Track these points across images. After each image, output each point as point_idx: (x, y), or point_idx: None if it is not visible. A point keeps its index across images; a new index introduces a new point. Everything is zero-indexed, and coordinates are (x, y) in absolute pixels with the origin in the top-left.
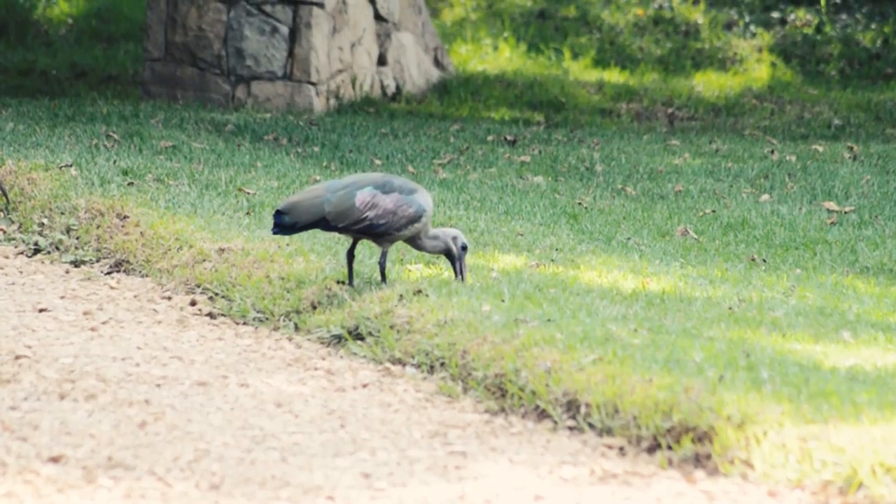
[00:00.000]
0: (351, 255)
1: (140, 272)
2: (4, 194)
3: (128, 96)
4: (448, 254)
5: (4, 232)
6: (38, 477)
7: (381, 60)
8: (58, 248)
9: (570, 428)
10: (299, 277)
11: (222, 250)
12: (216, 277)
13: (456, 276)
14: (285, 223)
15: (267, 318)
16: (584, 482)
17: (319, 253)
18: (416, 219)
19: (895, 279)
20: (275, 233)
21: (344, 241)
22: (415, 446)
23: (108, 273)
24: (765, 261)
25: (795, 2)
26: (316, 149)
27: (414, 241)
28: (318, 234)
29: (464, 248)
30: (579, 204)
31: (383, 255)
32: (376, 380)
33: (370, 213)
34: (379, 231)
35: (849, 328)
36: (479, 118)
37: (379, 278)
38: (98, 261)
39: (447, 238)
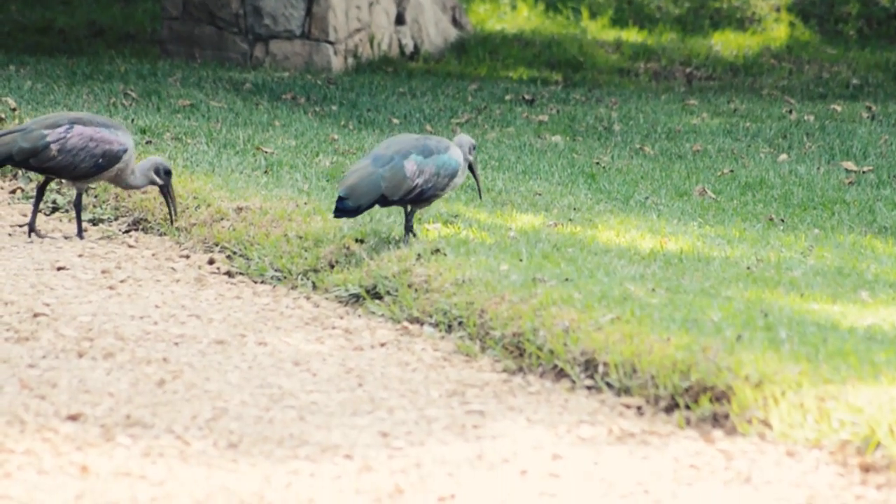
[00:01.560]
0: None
1: (158, 231)
2: (172, 212)
3: (146, 55)
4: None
5: (23, 191)
6: (56, 435)
7: (399, 19)
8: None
9: (588, 387)
10: (317, 236)
11: (240, 209)
12: (234, 236)
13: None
14: (349, 207)
15: (285, 277)
16: (602, 441)
17: None
18: (454, 174)
19: None
20: (337, 216)
21: None
22: (433, 405)
23: (127, 231)
24: (783, 221)
25: None
26: (334, 108)
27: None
28: (336, 193)
29: (472, 147)
30: (597, 163)
31: (411, 216)
32: (394, 339)
33: (419, 181)
34: (427, 196)
35: (867, 288)
36: (496, 77)
37: (397, 236)
38: (116, 219)
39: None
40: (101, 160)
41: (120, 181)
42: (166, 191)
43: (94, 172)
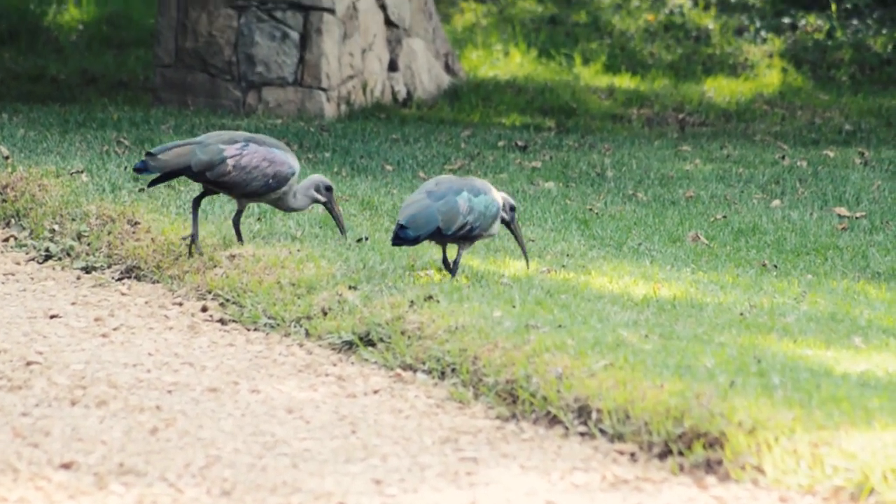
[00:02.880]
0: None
1: (151, 278)
2: (340, 227)
3: (138, 102)
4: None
5: (16, 238)
6: (49, 483)
7: (392, 66)
8: (69, 255)
9: (582, 434)
10: (310, 283)
11: (233, 256)
12: (227, 283)
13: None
14: (409, 237)
15: (278, 324)
16: (596, 488)
17: (330, 259)
18: (497, 216)
19: None
20: (396, 244)
21: (356, 246)
22: (426, 452)
23: (120, 279)
24: (776, 266)
25: (806, 7)
26: (327, 154)
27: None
28: (329, 240)
29: (512, 209)
30: (590, 210)
31: (460, 254)
32: (387, 386)
33: (470, 218)
34: (475, 234)
35: (860, 334)
36: (489, 124)
37: (390, 282)
38: (109, 267)
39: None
40: (271, 180)
41: (282, 204)
42: (330, 206)
43: (263, 192)
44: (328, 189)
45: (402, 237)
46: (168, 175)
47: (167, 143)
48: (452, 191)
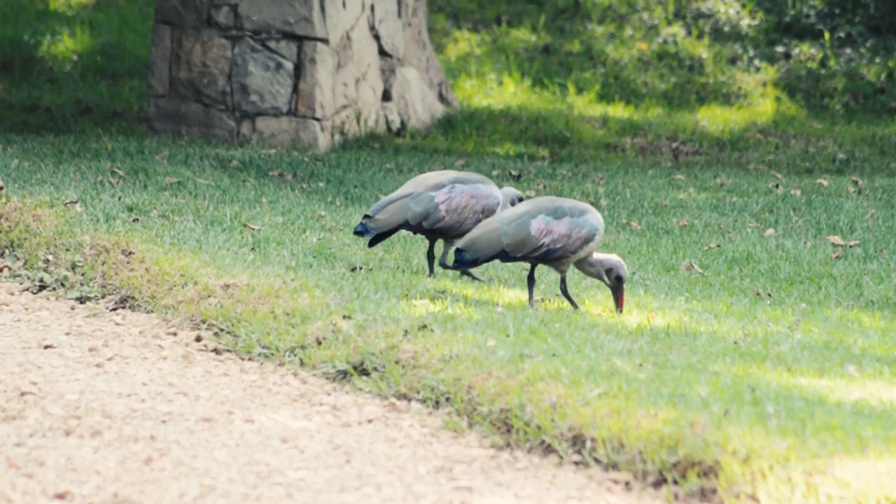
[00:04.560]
0: (532, 279)
1: (145, 308)
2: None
3: (133, 133)
4: (601, 280)
5: (10, 269)
6: None
7: (386, 96)
8: (63, 285)
9: (576, 463)
10: (304, 313)
11: (227, 286)
12: (221, 313)
13: (616, 307)
14: (466, 259)
15: (272, 354)
16: None
17: (324, 288)
18: (589, 238)
19: None
20: (454, 268)
21: (350, 276)
22: (420, 482)
23: (114, 309)
24: (770, 295)
25: (800, 36)
26: (321, 184)
27: (581, 264)
28: (323, 270)
29: (619, 278)
30: None
31: (563, 281)
32: (382, 415)
33: (546, 240)
34: (556, 255)
35: (854, 362)
36: (483, 153)
37: (385, 312)
38: (103, 297)
39: (601, 268)
40: (480, 216)
41: None
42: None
43: (473, 227)
44: (521, 200)
45: (459, 260)
46: (389, 232)
47: (380, 200)
48: (529, 213)
